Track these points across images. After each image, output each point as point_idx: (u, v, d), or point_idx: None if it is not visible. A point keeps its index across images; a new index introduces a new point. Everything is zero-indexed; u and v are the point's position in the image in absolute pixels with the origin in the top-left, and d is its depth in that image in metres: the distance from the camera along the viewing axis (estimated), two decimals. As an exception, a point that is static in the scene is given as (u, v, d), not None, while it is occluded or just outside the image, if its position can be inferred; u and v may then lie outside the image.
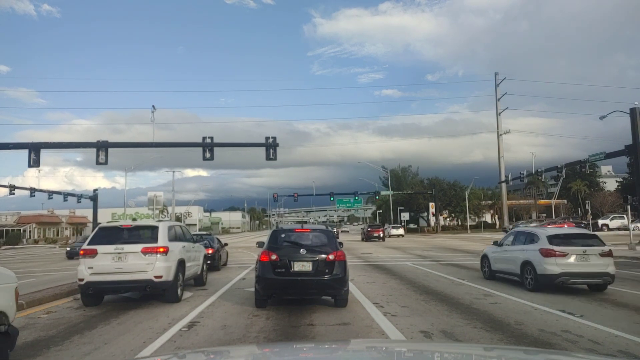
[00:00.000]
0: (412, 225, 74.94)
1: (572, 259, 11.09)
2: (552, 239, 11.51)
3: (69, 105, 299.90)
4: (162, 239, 10.42)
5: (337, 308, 9.34)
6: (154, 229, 10.71)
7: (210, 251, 16.88)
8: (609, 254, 11.30)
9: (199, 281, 13.35)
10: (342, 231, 77.06)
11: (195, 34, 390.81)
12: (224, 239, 26.46)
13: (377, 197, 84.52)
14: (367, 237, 44.53)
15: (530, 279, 11.57)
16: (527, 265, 11.73)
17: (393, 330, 7.41)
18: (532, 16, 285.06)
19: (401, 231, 52.54)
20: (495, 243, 14.17)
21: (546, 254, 11.16)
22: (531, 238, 12.26)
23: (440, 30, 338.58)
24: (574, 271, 10.99)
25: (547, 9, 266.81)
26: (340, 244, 10.11)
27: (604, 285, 11.31)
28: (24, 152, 25.40)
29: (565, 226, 49.17)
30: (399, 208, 70.13)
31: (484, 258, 14.46)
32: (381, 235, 43.82)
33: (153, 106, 33.88)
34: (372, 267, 18.70)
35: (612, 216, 52.57)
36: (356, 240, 44.72)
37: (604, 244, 11.55)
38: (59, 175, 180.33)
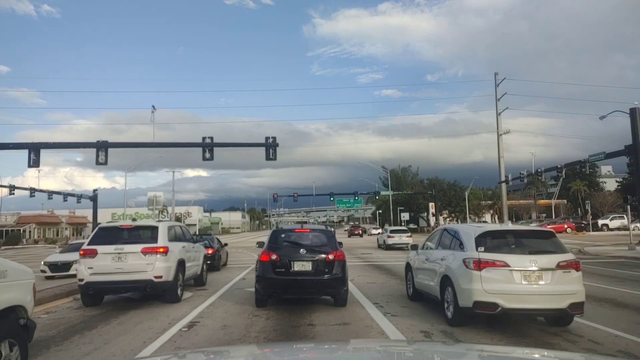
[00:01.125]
0: (412, 226, 74.66)
1: (395, 238, 30.35)
2: (391, 231, 31.55)
3: (69, 106, 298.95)
4: (162, 239, 10.43)
5: (337, 308, 9.35)
6: (154, 229, 10.72)
7: (210, 251, 16.89)
8: (410, 236, 29.89)
9: (199, 281, 13.35)
10: (344, 230, 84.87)
11: (195, 33, 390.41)
12: (223, 239, 26.47)
13: (377, 197, 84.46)
14: (350, 234, 61.77)
15: (385, 246, 30.81)
16: (384, 239, 31.12)
17: (393, 331, 7.42)
18: (531, 16, 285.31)
19: (380, 231, 65.20)
20: (381, 235, 35.70)
21: (387, 237, 30.67)
22: (386, 231, 32.78)
23: (440, 30, 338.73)
24: (399, 242, 29.63)
25: (546, 9, 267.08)
26: (340, 243, 10.13)
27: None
28: (24, 152, 25.30)
29: (566, 226, 50.31)
30: (398, 208, 70.04)
31: (377, 240, 34.91)
32: (360, 233, 62.35)
33: (153, 106, 33.78)
34: (372, 267, 18.71)
35: (612, 216, 52.60)
36: (343, 237, 51.96)
37: (409, 233, 31.70)
38: (59, 175, 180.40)
